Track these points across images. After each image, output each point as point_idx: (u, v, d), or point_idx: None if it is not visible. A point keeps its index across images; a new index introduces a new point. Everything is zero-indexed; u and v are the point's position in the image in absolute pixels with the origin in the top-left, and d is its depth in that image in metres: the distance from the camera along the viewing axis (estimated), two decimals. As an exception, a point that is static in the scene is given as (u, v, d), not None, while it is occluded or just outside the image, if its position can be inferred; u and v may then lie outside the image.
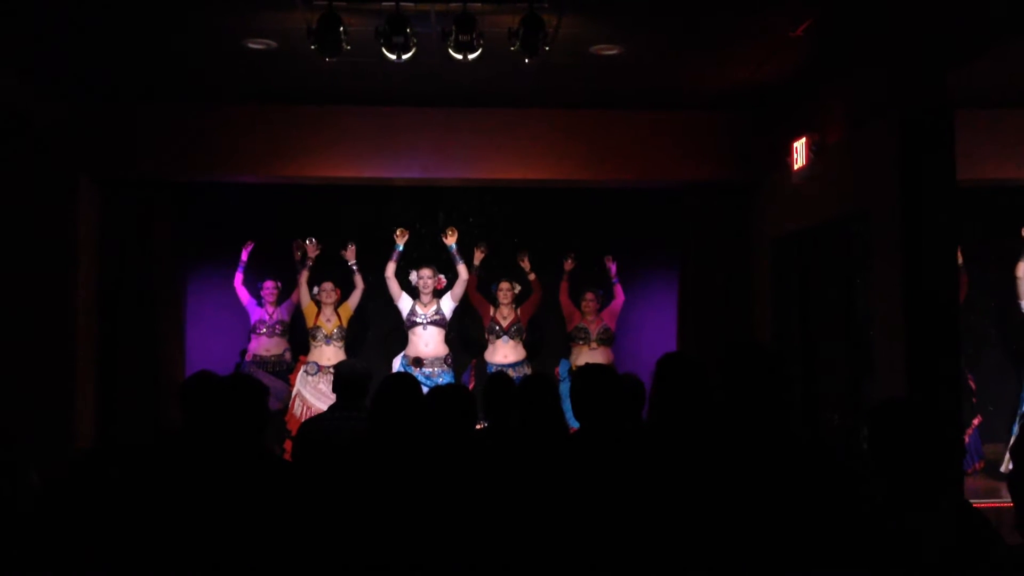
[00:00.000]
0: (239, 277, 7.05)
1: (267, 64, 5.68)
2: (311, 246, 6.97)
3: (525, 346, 6.91)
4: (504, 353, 6.79)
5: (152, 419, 6.63)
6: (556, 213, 7.48)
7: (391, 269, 6.82)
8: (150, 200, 6.95)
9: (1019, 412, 6.39)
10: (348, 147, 6.70)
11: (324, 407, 5.92)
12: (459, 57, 4.70)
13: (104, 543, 2.44)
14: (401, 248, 6.85)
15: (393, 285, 6.82)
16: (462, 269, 6.76)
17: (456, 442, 2.88)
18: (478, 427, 3.37)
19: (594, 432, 2.80)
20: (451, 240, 6.80)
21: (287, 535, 2.53)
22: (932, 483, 2.11)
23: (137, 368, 6.76)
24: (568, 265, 7.04)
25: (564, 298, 7.05)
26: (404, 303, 6.80)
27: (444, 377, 6.62)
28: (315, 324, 6.88)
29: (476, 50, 4.67)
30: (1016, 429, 6.38)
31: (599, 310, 7.02)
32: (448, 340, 6.86)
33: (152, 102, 6.53)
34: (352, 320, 7.04)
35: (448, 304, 6.79)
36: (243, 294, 7.09)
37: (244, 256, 7.06)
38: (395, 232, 6.89)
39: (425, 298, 6.77)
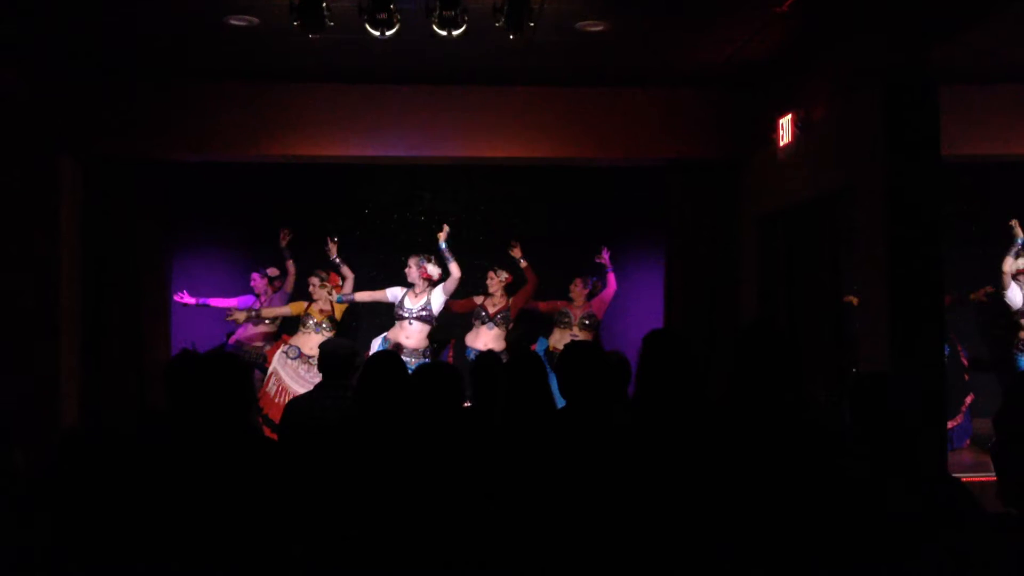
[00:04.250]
0: (214, 301, 7.00)
1: (249, 41, 5.61)
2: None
3: (507, 337, 6.85)
4: (485, 340, 6.74)
5: (137, 400, 6.61)
6: (541, 191, 7.47)
7: (358, 295, 6.75)
8: (133, 179, 6.87)
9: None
10: (332, 125, 6.64)
11: (301, 391, 5.91)
12: (443, 33, 4.67)
13: (89, 523, 2.43)
14: (339, 294, 6.75)
15: (372, 296, 6.75)
16: (453, 267, 6.56)
17: (443, 420, 2.88)
18: (465, 405, 3.37)
19: (581, 409, 2.81)
20: (442, 237, 6.61)
21: (275, 513, 2.53)
22: (911, 453, 2.13)
23: (122, 349, 6.72)
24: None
25: (542, 305, 7.01)
26: (394, 294, 6.69)
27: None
28: (307, 312, 6.86)
29: (460, 26, 4.64)
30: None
31: (589, 296, 6.99)
32: (432, 333, 6.78)
33: (134, 80, 6.44)
34: (345, 311, 7.03)
35: (439, 298, 6.63)
36: (231, 302, 7.05)
37: (188, 300, 6.95)
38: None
39: (417, 288, 6.66)
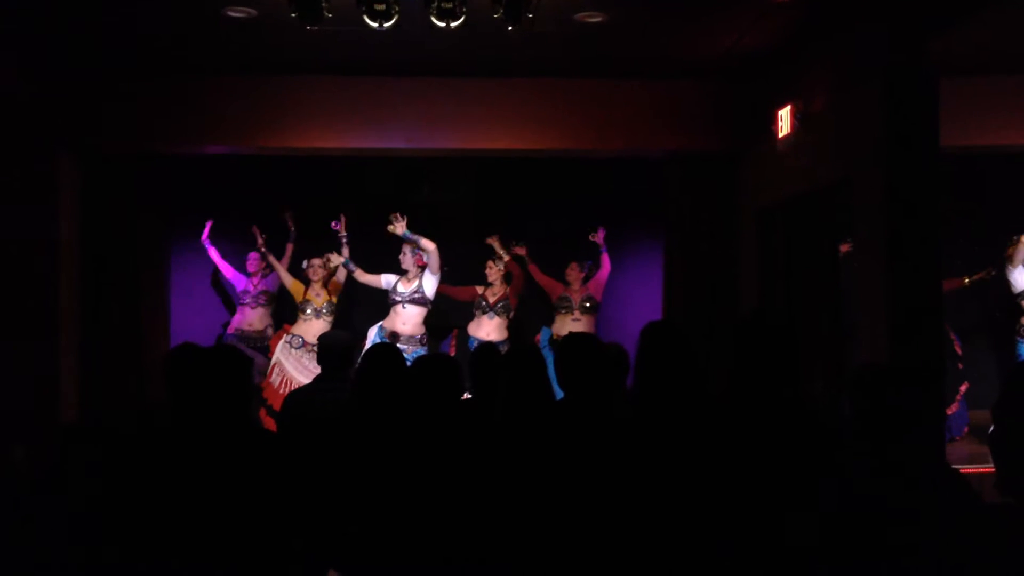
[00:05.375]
0: (213, 253, 7.05)
1: (247, 33, 5.59)
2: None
3: (508, 326, 6.89)
4: (487, 330, 6.79)
5: (137, 394, 6.61)
6: (540, 183, 7.47)
7: (357, 273, 6.75)
8: (132, 176, 6.87)
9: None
10: (330, 117, 6.62)
11: (305, 381, 5.90)
12: (442, 25, 4.66)
13: (89, 517, 2.43)
14: (345, 257, 6.74)
15: (368, 279, 6.76)
16: (425, 243, 6.53)
17: (442, 412, 2.88)
18: (464, 398, 3.37)
19: (579, 401, 2.81)
20: (400, 228, 6.54)
21: (274, 508, 2.53)
22: (911, 446, 2.13)
23: (121, 343, 6.72)
24: (521, 250, 7.00)
25: (539, 277, 7.07)
26: (388, 280, 6.74)
27: (417, 353, 6.61)
28: (304, 298, 6.87)
29: (459, 17, 4.62)
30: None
31: (585, 280, 7.03)
32: (428, 319, 6.79)
33: (131, 74, 6.42)
34: (341, 295, 7.04)
35: (430, 280, 6.66)
36: (226, 268, 7.09)
37: (205, 235, 7.12)
38: (335, 221, 6.79)
39: (410, 273, 6.71)
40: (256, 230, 7.09)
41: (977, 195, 7.14)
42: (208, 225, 7.13)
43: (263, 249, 7.09)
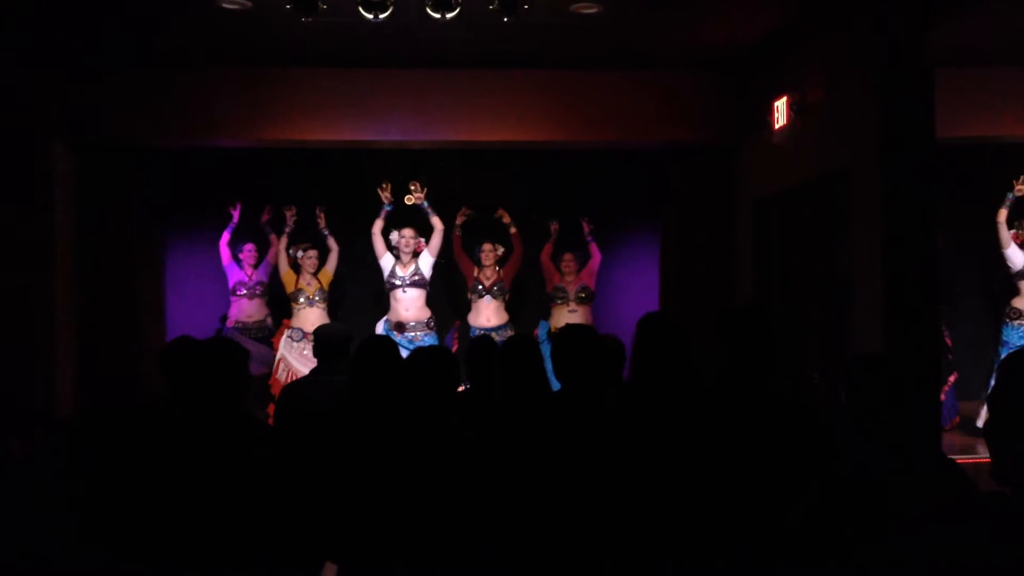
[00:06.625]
0: (226, 237, 7.07)
1: (242, 25, 5.57)
2: (289, 214, 7.03)
3: (507, 309, 6.93)
4: (487, 315, 6.82)
5: (133, 387, 6.60)
6: (536, 175, 7.47)
7: (378, 226, 6.84)
8: (127, 165, 6.85)
9: (996, 365, 6.48)
10: (326, 110, 6.61)
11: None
12: (437, 16, 4.65)
13: (85, 511, 2.43)
14: (389, 207, 6.85)
15: (378, 242, 6.84)
16: (436, 221, 6.78)
17: (438, 404, 2.88)
18: (460, 389, 3.37)
19: (575, 393, 2.81)
20: (420, 197, 6.81)
21: (270, 498, 2.53)
22: (908, 435, 2.14)
23: (117, 336, 6.71)
24: (555, 228, 7.13)
25: (545, 259, 7.12)
26: (386, 262, 6.81)
27: (427, 341, 6.63)
28: (296, 288, 6.89)
29: (454, 9, 4.62)
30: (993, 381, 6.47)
31: (578, 270, 7.08)
32: (430, 302, 6.85)
33: (125, 66, 6.39)
34: (333, 284, 7.06)
35: (427, 261, 6.78)
36: (226, 254, 7.09)
37: (236, 217, 7.13)
38: (381, 187, 6.89)
39: (405, 258, 6.78)
40: (288, 213, 7.09)
41: (974, 186, 7.14)
42: (239, 208, 7.17)
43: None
